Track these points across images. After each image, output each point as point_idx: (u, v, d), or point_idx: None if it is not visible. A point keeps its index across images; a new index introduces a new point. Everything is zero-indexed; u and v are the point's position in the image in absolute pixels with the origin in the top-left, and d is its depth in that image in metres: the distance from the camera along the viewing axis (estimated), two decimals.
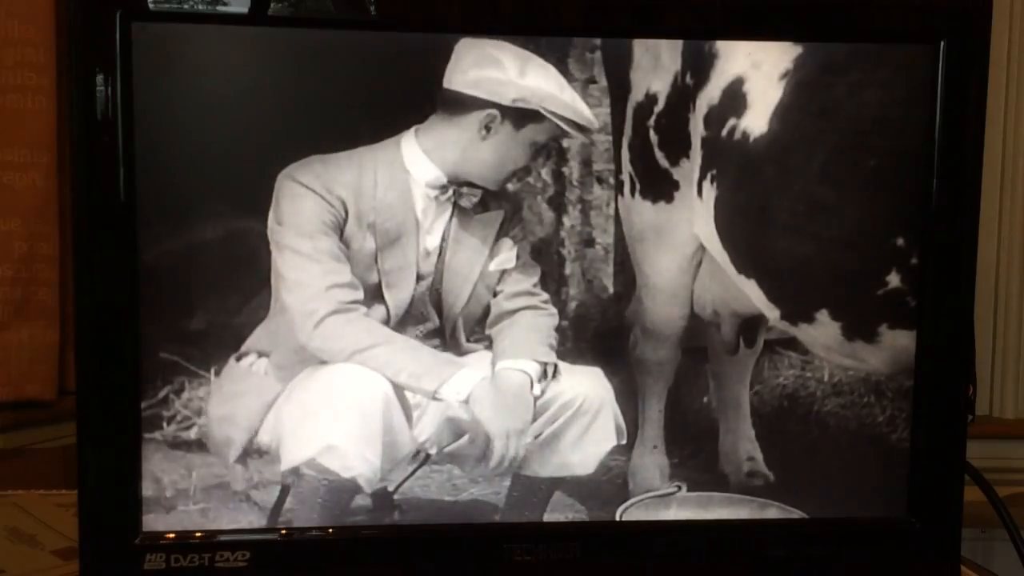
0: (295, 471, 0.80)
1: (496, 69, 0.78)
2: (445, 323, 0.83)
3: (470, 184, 0.82)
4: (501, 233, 0.83)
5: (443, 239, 0.82)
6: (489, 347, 0.83)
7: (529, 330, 0.82)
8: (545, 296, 0.82)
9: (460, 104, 0.79)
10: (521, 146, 0.80)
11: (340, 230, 0.80)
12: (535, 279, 0.82)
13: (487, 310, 0.84)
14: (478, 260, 0.83)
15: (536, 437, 0.83)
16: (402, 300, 0.82)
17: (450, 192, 0.82)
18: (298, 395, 0.81)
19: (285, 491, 0.81)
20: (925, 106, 0.80)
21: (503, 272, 0.83)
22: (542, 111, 0.79)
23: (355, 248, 0.80)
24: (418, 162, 0.81)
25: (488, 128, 0.80)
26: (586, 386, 0.83)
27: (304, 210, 0.79)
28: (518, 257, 0.82)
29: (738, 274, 0.83)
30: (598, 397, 0.84)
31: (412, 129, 0.80)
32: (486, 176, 0.82)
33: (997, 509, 0.91)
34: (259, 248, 0.79)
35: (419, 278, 0.82)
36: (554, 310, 0.82)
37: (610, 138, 0.82)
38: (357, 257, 0.80)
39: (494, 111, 0.79)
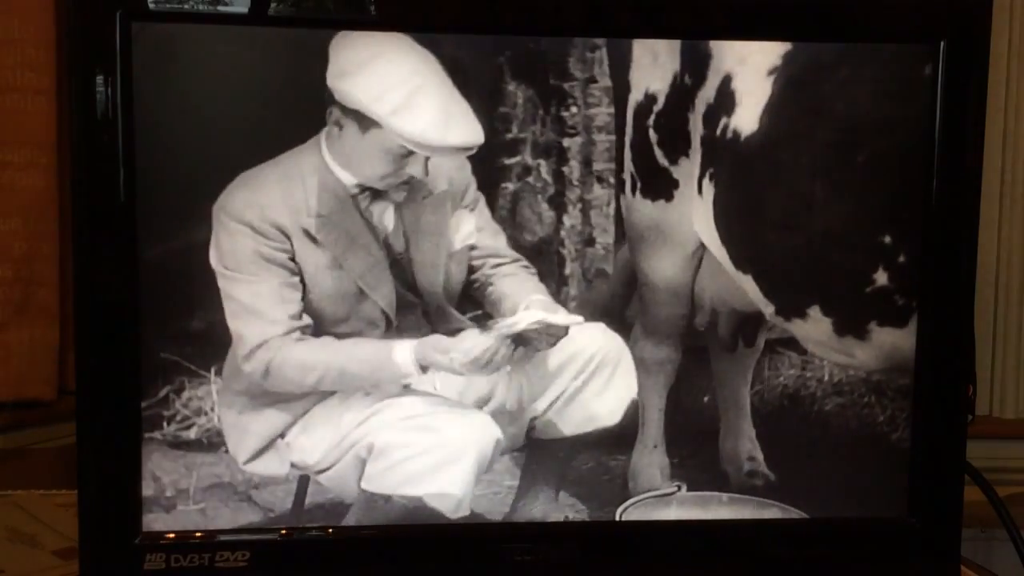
0: (384, 497, 0.82)
1: (356, 71, 0.77)
2: (428, 305, 0.83)
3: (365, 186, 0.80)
4: (454, 208, 0.82)
5: (402, 231, 0.82)
6: (486, 317, 0.84)
7: (523, 282, 0.82)
8: (518, 256, 0.82)
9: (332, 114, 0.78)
10: (378, 152, 0.78)
11: (288, 260, 0.79)
12: (503, 240, 0.82)
13: (469, 283, 0.84)
14: (442, 243, 0.82)
15: (559, 396, 0.84)
16: (389, 295, 0.81)
17: (378, 192, 0.80)
18: (393, 425, 0.82)
19: (304, 484, 0.82)
20: (925, 106, 0.80)
21: (471, 246, 0.83)
22: (367, 114, 0.77)
23: (308, 266, 0.79)
24: (338, 170, 0.79)
25: (338, 125, 0.78)
26: (601, 339, 0.84)
27: (242, 249, 0.78)
28: (479, 228, 0.82)
29: (736, 270, 0.83)
30: (615, 347, 0.84)
31: (324, 131, 0.79)
32: (376, 183, 0.80)
33: (997, 509, 0.91)
34: None
35: (394, 272, 0.82)
36: (532, 268, 0.82)
37: (611, 137, 0.82)
38: (315, 274, 0.79)
39: (333, 108, 0.78)
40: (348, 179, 0.80)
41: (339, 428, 0.82)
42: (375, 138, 0.78)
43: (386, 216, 0.81)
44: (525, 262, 0.82)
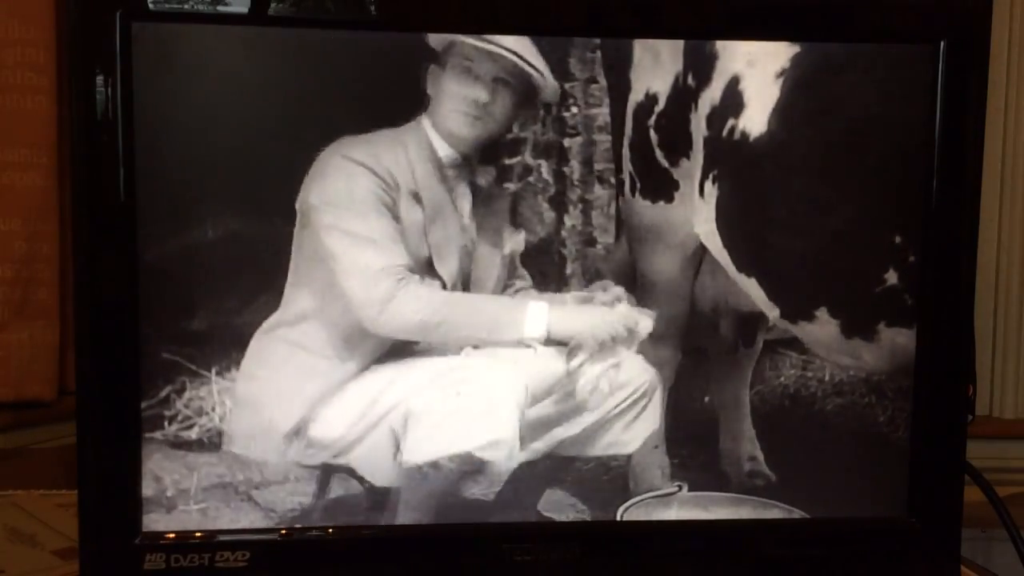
0: (433, 464, 0.81)
1: None
2: None
3: (476, 154, 0.82)
4: (510, 219, 0.83)
5: (475, 220, 0.83)
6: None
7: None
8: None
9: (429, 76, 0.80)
10: (453, 79, 0.80)
11: (394, 206, 0.80)
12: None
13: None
14: (499, 242, 0.83)
15: (596, 421, 0.84)
16: (453, 272, 0.82)
17: (467, 170, 0.82)
18: (423, 389, 0.81)
19: (327, 474, 0.81)
20: (925, 106, 0.80)
21: (511, 259, 0.83)
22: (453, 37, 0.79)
23: (407, 221, 0.81)
24: (437, 140, 0.81)
25: (432, 81, 0.80)
26: (645, 373, 0.84)
27: (358, 188, 0.79)
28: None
29: (738, 273, 0.83)
30: (654, 381, 0.85)
31: (424, 113, 0.80)
32: (453, 129, 0.81)
33: (997, 509, 0.91)
34: (260, 247, 0.79)
35: (460, 255, 0.83)
36: None
37: (611, 137, 0.82)
38: (410, 230, 0.81)
39: (433, 65, 0.79)
40: (445, 151, 0.82)
41: (366, 394, 0.82)
42: (451, 63, 0.79)
43: (466, 200, 0.83)
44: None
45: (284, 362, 0.81)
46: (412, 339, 0.81)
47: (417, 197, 0.81)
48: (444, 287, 0.82)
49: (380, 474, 0.82)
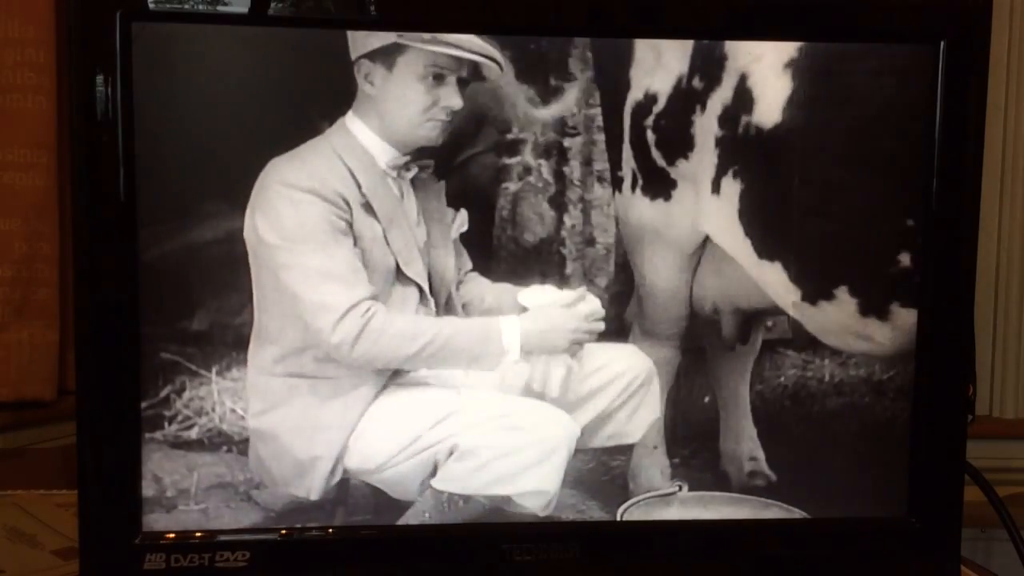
0: (466, 497, 0.82)
1: None
2: (439, 297, 0.83)
3: (417, 153, 0.81)
4: (448, 201, 0.82)
5: (420, 214, 0.82)
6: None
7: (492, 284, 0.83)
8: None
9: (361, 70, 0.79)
10: (412, 84, 0.78)
11: (350, 229, 0.79)
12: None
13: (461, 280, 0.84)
14: (445, 231, 0.83)
15: (598, 415, 0.85)
16: (421, 271, 0.82)
17: (413, 170, 0.81)
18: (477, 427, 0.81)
19: (344, 487, 0.81)
20: (923, 106, 0.80)
21: (458, 240, 0.83)
22: (399, 39, 0.77)
23: (367, 237, 0.79)
24: (373, 143, 0.80)
25: (370, 81, 0.78)
26: (639, 363, 0.85)
27: (310, 218, 0.78)
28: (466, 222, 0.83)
29: (760, 260, 0.82)
30: (649, 370, 0.85)
31: (350, 112, 0.80)
32: (417, 135, 0.80)
33: (997, 509, 0.91)
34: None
35: (421, 252, 0.82)
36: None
37: (609, 137, 0.82)
38: (372, 246, 0.80)
39: (364, 60, 0.78)
40: (381, 153, 0.80)
41: (412, 428, 0.81)
42: (406, 66, 0.78)
43: (409, 195, 0.82)
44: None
45: (292, 397, 0.80)
46: (391, 368, 0.81)
47: (369, 208, 0.80)
48: (420, 292, 0.81)
49: (406, 493, 0.82)
